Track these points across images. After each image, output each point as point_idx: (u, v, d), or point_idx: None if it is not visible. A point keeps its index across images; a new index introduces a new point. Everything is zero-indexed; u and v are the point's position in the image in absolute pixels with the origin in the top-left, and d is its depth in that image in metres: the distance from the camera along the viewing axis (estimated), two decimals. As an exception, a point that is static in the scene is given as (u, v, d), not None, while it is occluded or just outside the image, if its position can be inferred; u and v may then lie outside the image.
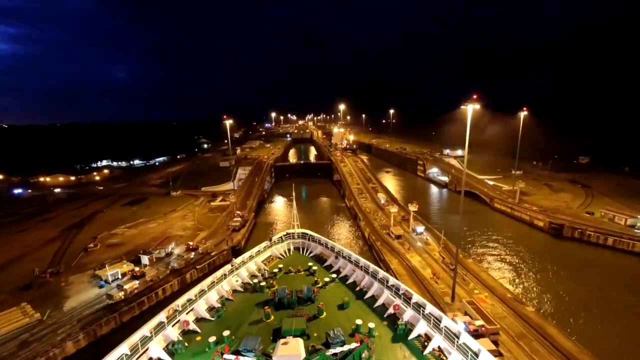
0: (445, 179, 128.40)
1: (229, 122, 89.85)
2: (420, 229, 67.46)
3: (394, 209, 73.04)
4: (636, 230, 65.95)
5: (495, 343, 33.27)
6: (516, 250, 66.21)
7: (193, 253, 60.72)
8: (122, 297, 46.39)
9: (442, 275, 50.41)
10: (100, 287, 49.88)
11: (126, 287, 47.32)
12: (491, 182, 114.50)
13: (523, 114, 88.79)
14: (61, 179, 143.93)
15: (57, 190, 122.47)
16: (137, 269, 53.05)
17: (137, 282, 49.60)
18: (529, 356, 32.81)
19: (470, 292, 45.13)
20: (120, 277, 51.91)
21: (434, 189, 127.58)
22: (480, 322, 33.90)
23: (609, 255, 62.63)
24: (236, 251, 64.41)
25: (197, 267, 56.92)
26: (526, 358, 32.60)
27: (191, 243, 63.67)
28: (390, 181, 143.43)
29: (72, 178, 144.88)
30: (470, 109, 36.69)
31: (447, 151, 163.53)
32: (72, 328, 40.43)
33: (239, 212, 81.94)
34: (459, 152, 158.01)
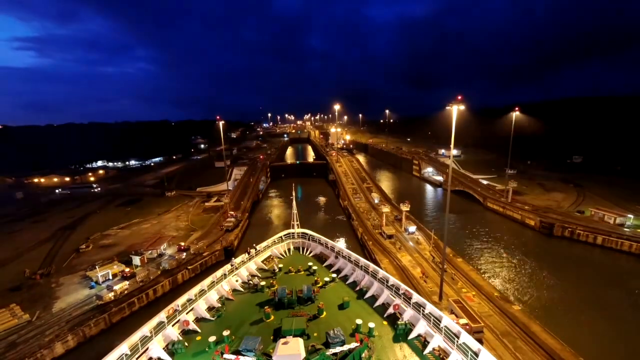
0: (440, 178, 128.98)
1: (222, 123, 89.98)
2: (412, 228, 67.84)
3: (386, 209, 73.40)
4: (625, 229, 66.66)
5: (480, 341, 33.52)
6: (507, 249, 66.71)
7: (185, 253, 60.85)
8: (112, 297, 46.46)
9: (432, 275, 50.82)
10: (91, 288, 49.97)
11: (116, 287, 47.38)
12: (485, 182, 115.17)
13: (515, 114, 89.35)
14: (56, 179, 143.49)
15: (53, 191, 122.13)
16: (127, 269, 53.15)
17: (127, 282, 49.68)
18: (513, 354, 33.23)
19: (459, 291, 45.55)
20: (111, 277, 52.00)
21: (429, 189, 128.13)
22: (464, 321, 34.27)
23: (598, 254, 63.24)
24: (229, 251, 64.64)
25: (189, 267, 57.07)
26: (509, 356, 33.01)
27: (183, 243, 63.79)
28: (385, 181, 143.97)
29: (67, 179, 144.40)
30: (455, 109, 37.09)
31: (442, 151, 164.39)
32: (61, 329, 40.49)
33: (232, 212, 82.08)
34: (455, 152, 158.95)
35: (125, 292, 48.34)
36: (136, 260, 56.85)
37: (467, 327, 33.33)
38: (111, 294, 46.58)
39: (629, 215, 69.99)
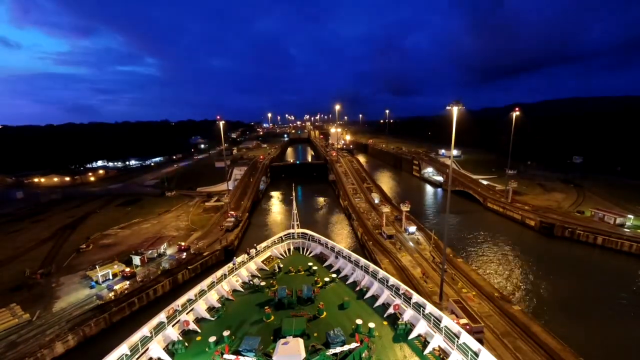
0: (440, 178, 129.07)
1: (222, 123, 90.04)
2: (412, 228, 67.85)
3: (386, 209, 73.39)
4: (625, 229, 66.68)
5: (480, 341, 33.50)
6: (507, 249, 66.70)
7: (185, 253, 60.84)
8: (113, 297, 46.47)
9: (432, 275, 50.82)
10: (91, 287, 49.95)
11: (116, 287, 47.42)
12: (485, 182, 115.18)
13: (515, 114, 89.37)
14: (56, 179, 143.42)
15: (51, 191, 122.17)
16: (127, 269, 53.13)
17: (127, 282, 49.70)
18: (513, 354, 33.23)
19: (459, 291, 45.54)
20: (111, 277, 51.95)
21: (429, 189, 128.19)
22: (465, 321, 34.28)
23: (598, 254, 63.24)
24: (229, 251, 64.62)
25: (189, 267, 57.05)
26: (510, 356, 33.01)
27: (183, 243, 63.79)
28: (386, 181, 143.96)
29: (67, 179, 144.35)
30: (456, 110, 37.13)
31: (442, 151, 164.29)
32: (61, 329, 40.45)
33: (232, 212, 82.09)
34: (455, 152, 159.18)
35: (126, 291, 48.33)
36: (136, 260, 56.83)
37: (468, 327, 33.30)
38: (111, 294, 46.62)
39: (629, 216, 69.99)
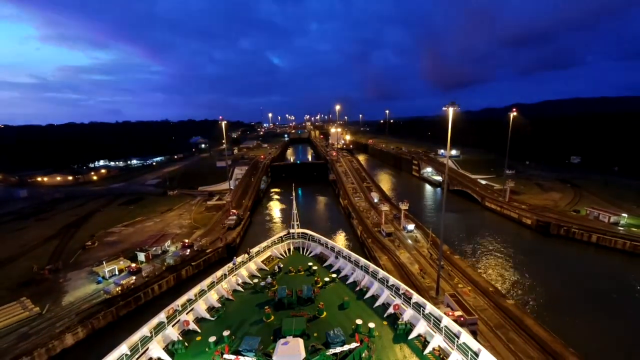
0: (439, 178, 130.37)
1: (224, 123, 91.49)
2: (411, 226, 69.24)
3: (385, 208, 74.83)
4: (619, 228, 68.04)
5: (474, 332, 35.00)
6: (504, 247, 68.08)
7: (188, 250, 62.27)
8: (119, 292, 47.90)
9: (429, 271, 52.22)
10: (98, 283, 51.37)
11: (123, 282, 48.85)
12: (484, 182, 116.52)
13: (512, 114, 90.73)
14: (59, 179, 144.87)
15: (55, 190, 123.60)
16: (133, 265, 54.59)
17: (133, 277, 51.16)
18: (505, 345, 34.63)
19: (455, 287, 46.95)
20: (117, 273, 53.41)
21: (428, 188, 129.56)
22: (459, 313, 35.67)
23: (592, 252, 64.64)
24: (231, 248, 66.06)
25: (192, 264, 58.48)
26: (502, 346, 34.41)
27: (187, 240, 65.22)
28: (385, 180, 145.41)
29: (70, 178, 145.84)
30: (451, 111, 38.51)
31: (441, 151, 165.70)
32: (71, 321, 41.90)
33: (234, 210, 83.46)
34: (454, 152, 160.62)
35: (132, 286, 49.77)
36: (141, 256, 58.28)
37: (462, 318, 34.69)
38: (118, 288, 48.05)
39: (623, 214, 71.35)
